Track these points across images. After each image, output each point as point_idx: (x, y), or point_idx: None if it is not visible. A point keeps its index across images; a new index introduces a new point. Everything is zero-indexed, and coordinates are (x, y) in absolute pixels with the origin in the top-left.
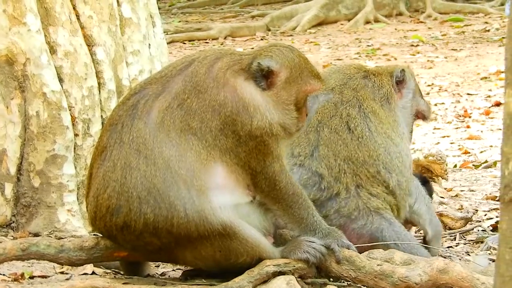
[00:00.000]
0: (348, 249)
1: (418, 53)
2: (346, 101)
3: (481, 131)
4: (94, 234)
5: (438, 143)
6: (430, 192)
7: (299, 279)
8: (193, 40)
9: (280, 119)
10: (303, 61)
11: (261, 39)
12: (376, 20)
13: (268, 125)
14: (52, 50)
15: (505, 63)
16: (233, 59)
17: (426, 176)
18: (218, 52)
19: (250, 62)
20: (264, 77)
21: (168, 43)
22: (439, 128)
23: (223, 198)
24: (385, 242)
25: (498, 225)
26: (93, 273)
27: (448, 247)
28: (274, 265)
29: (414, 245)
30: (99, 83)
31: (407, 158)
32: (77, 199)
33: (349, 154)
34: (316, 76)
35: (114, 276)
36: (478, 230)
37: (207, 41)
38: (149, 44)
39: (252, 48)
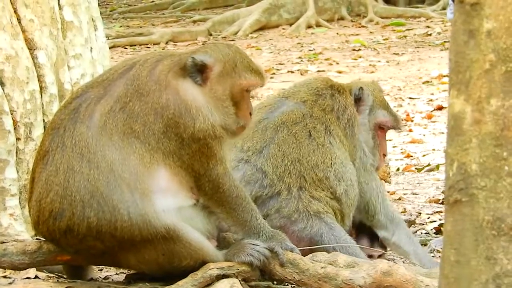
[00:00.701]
0: (292, 252)
1: (360, 57)
2: (315, 118)
3: (424, 135)
4: (37, 238)
5: None
6: None
7: (242, 282)
8: (135, 45)
9: (221, 120)
10: (239, 56)
11: (203, 44)
12: (318, 25)
13: (211, 127)
14: None
15: (449, 64)
16: (173, 60)
17: None
18: (159, 54)
19: (186, 59)
20: (198, 72)
21: (109, 48)
22: None
23: (166, 201)
24: (324, 245)
25: (441, 228)
26: (36, 277)
27: None
28: (217, 268)
29: (354, 250)
30: (40, 87)
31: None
32: (20, 203)
33: (300, 156)
34: (254, 71)
35: (57, 280)
36: (422, 233)
37: (148, 46)
38: (91, 48)
39: None
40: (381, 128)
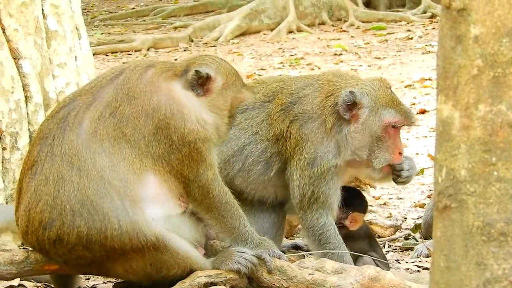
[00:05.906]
0: (280, 259)
1: (342, 62)
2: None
3: (407, 139)
4: (24, 248)
5: None
6: (364, 204)
7: None
8: (116, 52)
9: (214, 121)
10: (235, 71)
11: (184, 50)
12: (299, 30)
13: (202, 128)
14: None
15: (436, 70)
16: (166, 66)
17: (356, 188)
18: (149, 61)
19: (185, 70)
20: (200, 85)
21: None
22: None
23: (155, 210)
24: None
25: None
26: (20, 285)
27: None
28: (205, 276)
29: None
30: (26, 96)
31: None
32: None
33: None
34: (248, 87)
35: None
36: (408, 238)
37: (130, 52)
38: (76, 56)
39: (176, 59)
40: (392, 127)
